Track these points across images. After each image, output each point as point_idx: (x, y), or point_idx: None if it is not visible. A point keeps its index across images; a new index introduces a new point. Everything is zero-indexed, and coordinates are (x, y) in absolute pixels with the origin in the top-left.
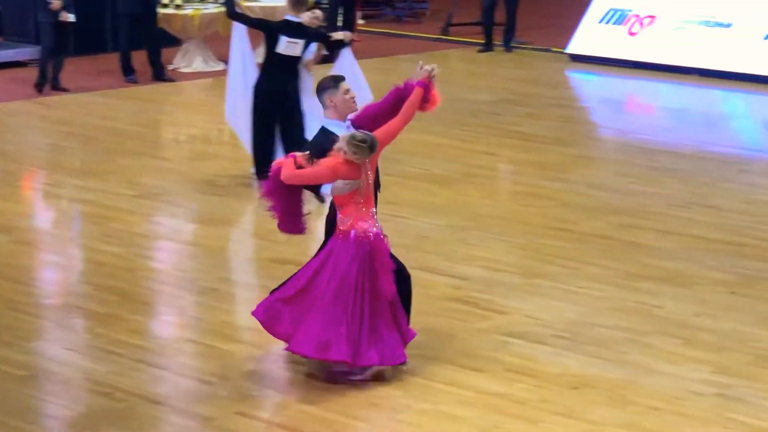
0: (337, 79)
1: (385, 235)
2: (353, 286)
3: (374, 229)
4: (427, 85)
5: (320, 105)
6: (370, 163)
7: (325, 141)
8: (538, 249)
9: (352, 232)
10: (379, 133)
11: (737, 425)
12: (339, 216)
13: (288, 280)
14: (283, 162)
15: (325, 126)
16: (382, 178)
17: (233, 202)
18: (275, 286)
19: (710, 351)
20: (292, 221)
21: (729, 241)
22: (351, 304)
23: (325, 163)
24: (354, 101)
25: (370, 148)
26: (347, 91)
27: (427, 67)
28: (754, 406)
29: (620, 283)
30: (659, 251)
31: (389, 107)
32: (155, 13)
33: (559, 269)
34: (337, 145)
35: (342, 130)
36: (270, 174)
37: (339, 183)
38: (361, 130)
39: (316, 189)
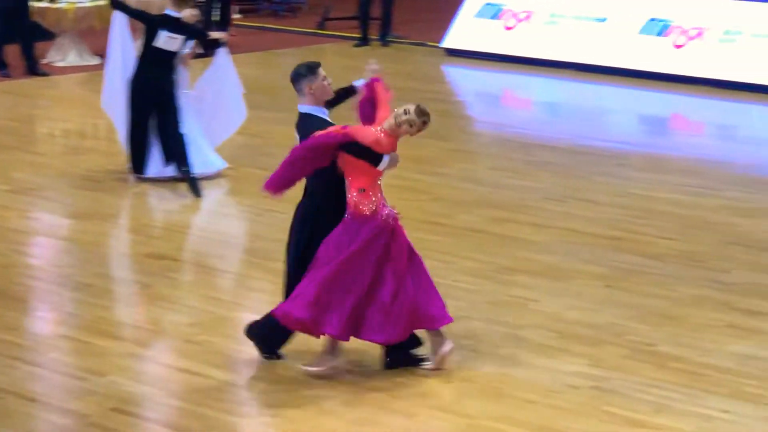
0: (313, 66)
1: (398, 213)
2: (373, 264)
3: (392, 210)
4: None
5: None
6: None
7: (327, 124)
8: (414, 243)
9: (381, 214)
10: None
11: (612, 417)
12: (362, 201)
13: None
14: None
15: (307, 113)
16: (256, 172)
17: (108, 197)
18: (150, 281)
19: (586, 344)
20: (280, 185)
21: (604, 234)
22: (366, 282)
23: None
24: (330, 86)
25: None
26: (325, 77)
27: (375, 66)
28: (629, 399)
29: (495, 277)
30: (535, 245)
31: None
32: (28, 7)
33: (434, 263)
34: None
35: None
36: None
37: (395, 155)
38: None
39: (377, 158)
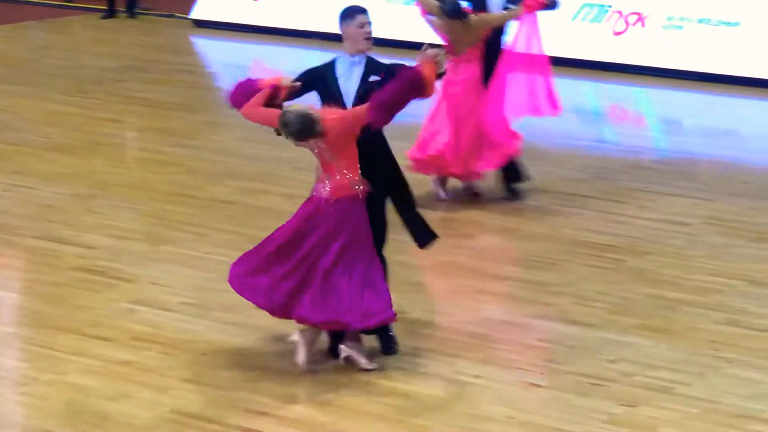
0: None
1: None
2: None
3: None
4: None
5: None
6: None
7: None
8: (164, 216)
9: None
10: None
11: (365, 386)
12: (354, 179)
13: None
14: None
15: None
16: (3, 147)
17: None
18: None
19: None
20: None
21: None
22: None
23: None
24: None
25: None
26: (362, 24)
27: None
28: (381, 366)
29: (247, 248)
30: (286, 215)
31: None
32: None
33: (186, 235)
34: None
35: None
36: None
37: None
38: None
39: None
